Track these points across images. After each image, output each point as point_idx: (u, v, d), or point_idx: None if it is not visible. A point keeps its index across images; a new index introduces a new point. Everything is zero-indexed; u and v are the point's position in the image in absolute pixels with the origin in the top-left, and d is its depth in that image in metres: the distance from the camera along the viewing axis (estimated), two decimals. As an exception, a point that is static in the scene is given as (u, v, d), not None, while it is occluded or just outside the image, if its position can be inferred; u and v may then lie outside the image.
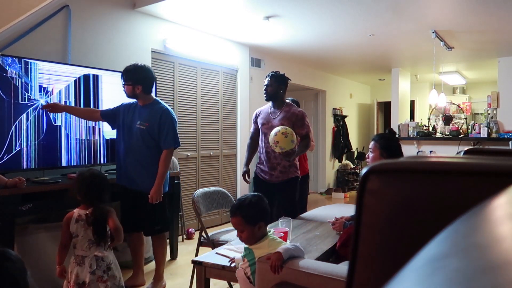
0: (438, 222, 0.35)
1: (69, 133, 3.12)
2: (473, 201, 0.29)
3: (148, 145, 2.86)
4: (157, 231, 3.01)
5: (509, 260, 0.18)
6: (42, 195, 2.72)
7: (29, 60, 2.88)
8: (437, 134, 6.43)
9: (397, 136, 5.89)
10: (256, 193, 2.05)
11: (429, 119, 6.65)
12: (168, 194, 3.66)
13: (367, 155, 2.48)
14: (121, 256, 3.42)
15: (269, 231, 1.96)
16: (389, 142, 2.40)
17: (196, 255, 2.79)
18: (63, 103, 3.08)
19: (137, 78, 2.85)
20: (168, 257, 3.64)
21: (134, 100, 2.96)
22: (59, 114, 3.05)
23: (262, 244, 1.89)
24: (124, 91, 2.90)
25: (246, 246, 1.91)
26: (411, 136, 6.38)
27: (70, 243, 2.29)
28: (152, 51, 4.21)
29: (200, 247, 2.88)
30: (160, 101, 3.03)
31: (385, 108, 9.48)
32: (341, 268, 1.66)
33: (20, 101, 2.81)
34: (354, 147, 8.48)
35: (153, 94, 3.05)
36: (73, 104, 3.15)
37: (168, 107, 2.96)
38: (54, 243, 2.71)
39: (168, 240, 3.65)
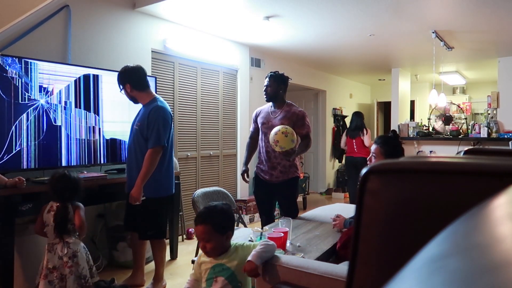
0: (438, 222, 0.35)
1: (69, 133, 3.12)
2: (473, 201, 0.29)
3: (141, 147, 2.80)
4: (149, 236, 2.93)
5: (509, 260, 0.18)
6: (42, 195, 2.72)
7: (29, 60, 2.88)
8: (437, 134, 6.43)
9: (397, 136, 5.89)
10: (224, 202, 1.95)
11: (429, 119, 6.65)
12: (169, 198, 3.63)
13: (369, 157, 2.43)
14: (121, 256, 3.42)
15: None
16: (394, 148, 2.34)
17: (196, 255, 2.79)
18: (63, 103, 3.08)
19: (123, 78, 2.84)
20: (168, 257, 3.64)
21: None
22: (59, 114, 3.04)
23: (233, 255, 1.78)
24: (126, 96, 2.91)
25: (216, 263, 1.78)
26: (411, 136, 6.38)
27: (43, 231, 2.45)
28: (152, 51, 4.21)
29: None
30: (158, 98, 2.92)
31: (385, 108, 9.48)
32: (341, 268, 1.66)
33: (20, 101, 2.81)
34: (354, 147, 8.46)
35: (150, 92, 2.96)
36: (73, 105, 3.14)
37: (162, 105, 2.85)
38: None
39: (168, 241, 3.65)
